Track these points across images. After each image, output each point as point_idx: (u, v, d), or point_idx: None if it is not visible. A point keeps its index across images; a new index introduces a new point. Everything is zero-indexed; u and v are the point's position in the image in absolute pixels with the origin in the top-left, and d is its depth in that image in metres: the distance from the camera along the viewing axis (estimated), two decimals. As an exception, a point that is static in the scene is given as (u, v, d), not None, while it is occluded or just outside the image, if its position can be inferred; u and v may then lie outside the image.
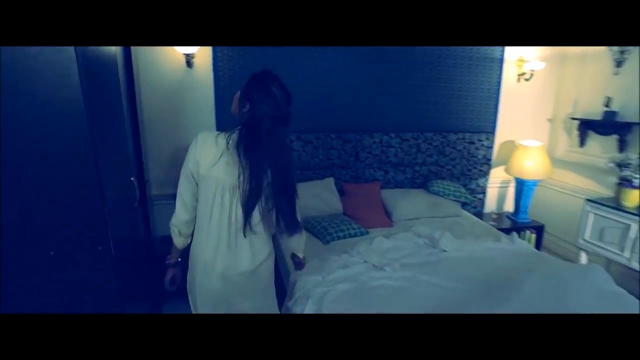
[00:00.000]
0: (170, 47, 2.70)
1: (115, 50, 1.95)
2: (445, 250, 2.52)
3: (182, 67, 2.78)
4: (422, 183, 3.50)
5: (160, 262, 1.73)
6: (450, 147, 3.49)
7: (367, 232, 2.88)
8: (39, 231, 1.47)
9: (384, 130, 3.34)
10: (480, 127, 3.58)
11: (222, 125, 3.00)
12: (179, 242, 1.62)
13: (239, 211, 1.44)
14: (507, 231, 3.20)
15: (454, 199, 3.30)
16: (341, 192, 3.30)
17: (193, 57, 2.79)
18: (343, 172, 3.32)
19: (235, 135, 1.42)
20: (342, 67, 3.12)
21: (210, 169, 1.43)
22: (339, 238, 2.76)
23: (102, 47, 1.75)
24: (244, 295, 1.55)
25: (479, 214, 3.64)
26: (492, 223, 3.43)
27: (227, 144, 1.42)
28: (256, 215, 1.46)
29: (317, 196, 3.09)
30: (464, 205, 3.53)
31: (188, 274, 1.61)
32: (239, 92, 1.49)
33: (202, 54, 2.83)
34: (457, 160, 3.54)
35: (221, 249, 1.48)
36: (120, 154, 1.99)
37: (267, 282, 1.64)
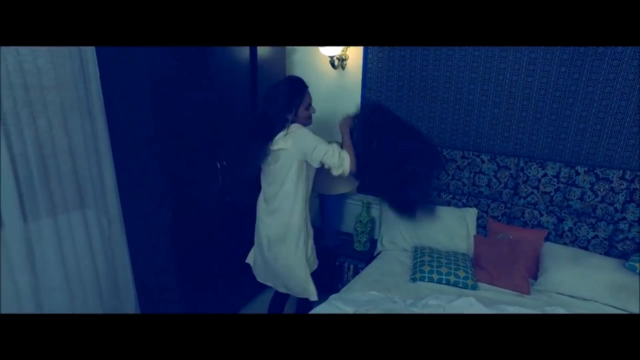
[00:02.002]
0: (315, 48, 2.84)
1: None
2: None
3: (330, 68, 2.86)
4: (624, 252, 2.22)
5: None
6: (701, 207, 2.03)
7: (475, 287, 2.15)
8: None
9: (566, 161, 2.31)
10: None
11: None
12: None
13: None
14: None
15: (671, 293, 1.92)
16: (483, 230, 2.56)
17: (344, 60, 2.82)
18: (492, 206, 2.54)
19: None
20: (512, 70, 2.36)
21: None
22: (430, 280, 2.20)
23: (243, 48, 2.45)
24: None
25: None
26: None
27: None
28: None
29: (444, 226, 2.54)
30: None
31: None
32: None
33: (354, 56, 2.81)
34: None
35: None
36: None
37: None
